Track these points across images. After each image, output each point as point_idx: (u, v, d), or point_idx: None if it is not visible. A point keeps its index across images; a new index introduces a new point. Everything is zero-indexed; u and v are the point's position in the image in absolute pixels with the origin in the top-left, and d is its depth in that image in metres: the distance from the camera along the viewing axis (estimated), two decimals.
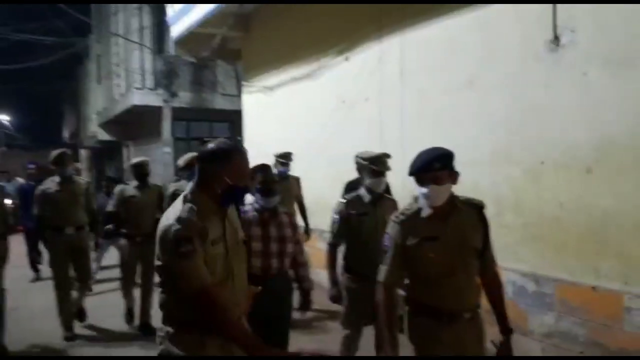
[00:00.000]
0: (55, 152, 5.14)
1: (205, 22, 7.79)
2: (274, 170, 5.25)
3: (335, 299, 3.60)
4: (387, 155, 3.58)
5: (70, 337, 4.97)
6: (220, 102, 13.73)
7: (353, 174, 4.19)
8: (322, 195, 5.93)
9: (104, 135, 18.70)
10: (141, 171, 5.25)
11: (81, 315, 5.34)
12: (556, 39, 3.73)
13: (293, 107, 7.23)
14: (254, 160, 2.52)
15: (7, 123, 28.88)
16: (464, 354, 2.30)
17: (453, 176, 2.26)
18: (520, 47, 4.01)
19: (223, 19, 7.70)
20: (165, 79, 12.74)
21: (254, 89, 8.18)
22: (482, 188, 3.99)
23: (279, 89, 7.55)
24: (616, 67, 3.41)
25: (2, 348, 4.63)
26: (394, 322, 2.38)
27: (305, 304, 3.49)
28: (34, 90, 20.75)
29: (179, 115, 13.88)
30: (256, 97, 8.20)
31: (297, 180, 5.90)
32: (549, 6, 3.75)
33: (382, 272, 2.39)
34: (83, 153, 27.59)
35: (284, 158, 5.75)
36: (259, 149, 7.93)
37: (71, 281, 5.19)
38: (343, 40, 6.08)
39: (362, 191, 3.56)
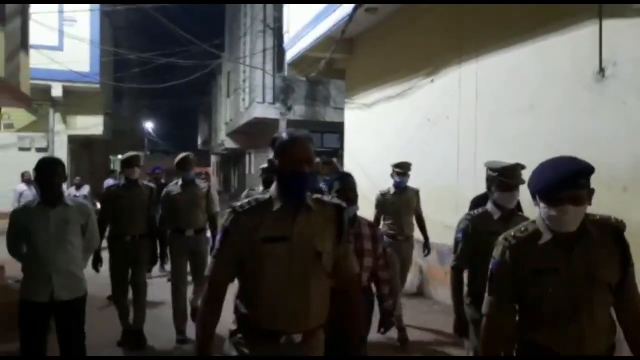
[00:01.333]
0: (179, 156, 5.25)
1: (314, 47, 8.91)
2: (392, 181, 5.43)
3: (459, 331, 3.20)
4: (521, 166, 3.10)
5: (182, 339, 4.97)
6: (331, 115, 14.92)
7: (437, 183, 4.80)
8: None
9: (230, 144, 20.93)
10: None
11: (194, 314, 5.17)
12: (601, 70, 4.17)
13: (386, 122, 8.03)
14: (352, 170, 3.06)
15: (151, 131, 32.96)
16: None
17: (590, 196, 1.84)
18: (572, 76, 4.47)
19: (330, 43, 8.73)
20: (283, 94, 14.21)
21: (354, 105, 9.12)
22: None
23: (375, 105, 8.40)
24: None
25: (143, 337, 4.90)
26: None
27: (385, 324, 3.19)
28: (174, 104, 23.58)
29: (295, 126, 15.29)
30: (356, 112, 9.14)
31: (416, 192, 5.59)
32: (597, 39, 4.20)
33: (487, 303, 2.02)
34: (213, 158, 30.61)
35: (401, 168, 5.45)
36: (357, 159, 8.90)
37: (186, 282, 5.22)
38: (429, 64, 6.77)
39: (490, 207, 3.15)
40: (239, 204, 1.98)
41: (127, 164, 5.04)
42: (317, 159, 4.93)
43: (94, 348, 3.77)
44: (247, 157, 20.60)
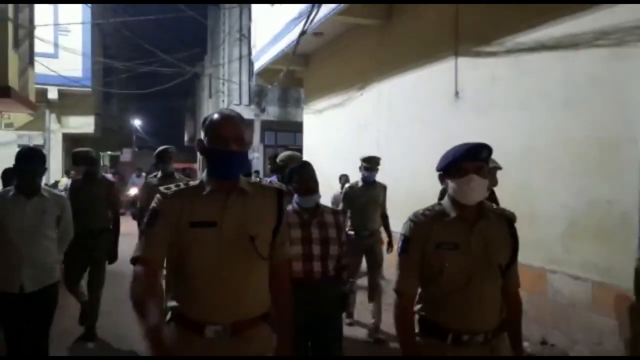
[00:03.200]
0: (159, 148, 5.39)
1: (275, 61, 10.54)
2: (360, 175, 5.30)
3: None
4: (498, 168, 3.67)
5: None
6: (302, 116, 16.55)
7: (356, 176, 5.72)
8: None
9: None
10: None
11: None
12: (457, 93, 5.85)
13: (332, 126, 9.70)
14: (314, 162, 3.03)
15: (139, 128, 34.35)
16: None
17: (491, 174, 2.12)
18: (442, 96, 6.16)
19: (287, 58, 10.36)
20: (257, 97, 15.82)
21: (310, 110, 10.79)
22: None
23: (325, 111, 10.06)
24: None
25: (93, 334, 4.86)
26: (412, 337, 2.10)
27: (346, 307, 3.28)
28: (161, 104, 24.99)
29: (269, 126, 16.94)
30: (311, 116, 10.81)
31: (383, 187, 5.41)
32: (454, 72, 5.87)
33: (399, 280, 2.11)
34: (199, 155, 32.05)
35: (368, 162, 5.29)
36: (312, 156, 10.58)
37: None
38: (360, 80, 8.42)
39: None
40: (167, 187, 1.91)
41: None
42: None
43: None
44: None
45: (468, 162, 1.98)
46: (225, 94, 17.73)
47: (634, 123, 3.80)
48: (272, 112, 16.29)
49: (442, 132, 6.06)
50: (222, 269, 1.83)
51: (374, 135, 7.93)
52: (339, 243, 3.04)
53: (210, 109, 22.36)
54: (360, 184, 5.34)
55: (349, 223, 5.10)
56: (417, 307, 2.13)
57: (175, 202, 1.85)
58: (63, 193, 4.96)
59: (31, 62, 9.17)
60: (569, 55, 4.41)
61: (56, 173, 15.18)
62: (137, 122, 33.92)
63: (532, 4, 4.75)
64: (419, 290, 2.13)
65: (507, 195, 4.03)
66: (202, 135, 1.93)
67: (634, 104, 3.79)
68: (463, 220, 2.04)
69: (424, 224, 2.07)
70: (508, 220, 2.13)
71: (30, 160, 3.38)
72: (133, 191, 14.02)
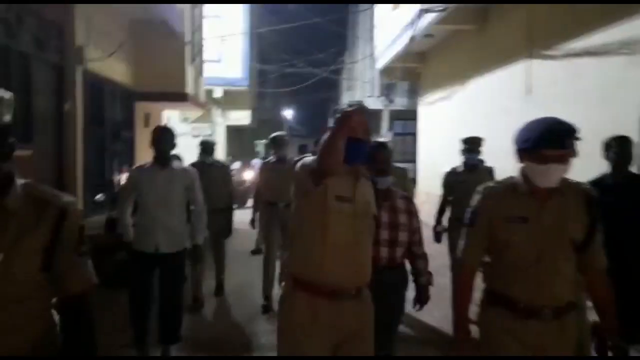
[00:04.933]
0: (273, 134, 5.64)
1: (395, 59, 11.97)
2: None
3: None
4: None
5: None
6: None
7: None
8: None
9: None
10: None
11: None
12: (528, 90, 6.81)
13: (443, 114, 10.88)
14: (427, 146, 4.82)
15: (290, 118, 37.87)
16: (542, 355, 1.99)
17: (572, 157, 1.94)
18: (515, 93, 7.13)
19: (408, 56, 11.71)
20: (386, 90, 17.27)
21: (423, 102, 12.04)
22: None
23: (437, 102, 11.25)
24: None
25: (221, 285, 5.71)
26: (466, 310, 2.13)
27: (421, 300, 3.08)
28: (309, 96, 27.69)
29: (397, 115, 18.33)
30: (425, 107, 12.05)
31: (489, 171, 4.90)
32: (525, 71, 6.84)
33: (462, 249, 2.17)
34: None
35: (469, 143, 4.86)
36: (427, 139, 11.85)
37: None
38: (463, 76, 9.52)
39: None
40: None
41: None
42: None
43: None
44: None
45: (550, 150, 1.91)
46: (359, 87, 19.47)
47: None
48: (400, 102, 17.60)
49: (517, 121, 7.04)
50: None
51: (470, 124, 9.03)
52: (409, 229, 2.94)
53: (347, 100, 24.37)
54: (461, 168, 4.93)
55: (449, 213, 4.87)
56: (486, 279, 2.15)
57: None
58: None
59: (201, 72, 11.85)
60: (602, 61, 5.28)
61: (220, 156, 18.34)
62: (287, 113, 37.43)
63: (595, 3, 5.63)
64: (486, 262, 2.15)
65: None
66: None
67: None
68: (535, 195, 2.01)
69: (494, 196, 2.09)
70: (586, 195, 2.05)
71: (160, 137, 3.87)
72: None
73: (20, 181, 1.54)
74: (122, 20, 8.41)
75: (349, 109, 2.04)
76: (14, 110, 3.26)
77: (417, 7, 9.22)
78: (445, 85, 10.51)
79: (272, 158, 5.68)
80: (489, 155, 5.11)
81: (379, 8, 13.77)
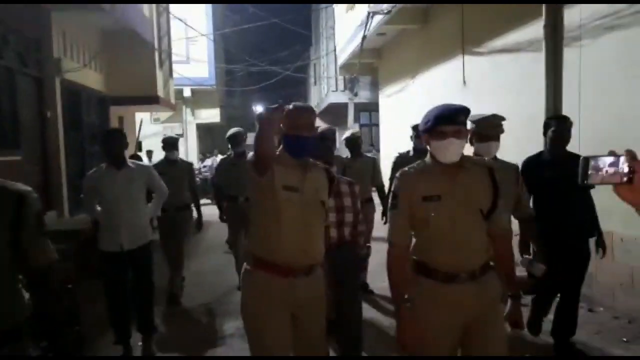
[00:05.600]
0: (229, 132, 5.74)
1: (353, 56, 12.81)
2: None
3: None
4: (499, 118, 3.30)
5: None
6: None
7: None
8: None
9: (320, 123, 25.38)
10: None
11: None
12: (464, 82, 7.73)
13: (400, 106, 11.78)
14: (388, 136, 5.24)
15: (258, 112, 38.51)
16: (463, 314, 2.22)
17: (466, 134, 2.24)
18: (453, 84, 8.05)
19: (364, 52, 12.56)
20: (350, 84, 18.13)
21: (383, 94, 12.93)
22: None
23: (395, 94, 12.15)
24: None
25: (174, 295, 5.49)
26: (405, 285, 2.30)
27: (359, 270, 3.46)
28: (276, 92, 28.56)
29: (363, 108, 19.23)
30: (385, 99, 12.95)
31: None
32: (462, 66, 7.75)
33: (390, 232, 2.35)
34: None
35: (417, 130, 4.97)
36: (388, 130, 12.74)
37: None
38: (412, 70, 10.42)
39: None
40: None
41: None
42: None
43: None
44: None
45: (447, 126, 2.16)
46: (325, 81, 20.31)
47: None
48: (365, 95, 18.49)
49: None
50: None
51: (421, 114, 9.93)
52: (353, 211, 3.23)
53: (315, 95, 25.17)
54: (411, 153, 5.31)
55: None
56: (411, 252, 2.33)
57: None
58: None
59: (171, 74, 12.50)
60: (516, 57, 6.21)
61: (192, 154, 18.94)
62: (257, 109, 37.98)
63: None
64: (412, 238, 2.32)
65: None
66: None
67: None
68: (445, 174, 2.24)
69: (409, 179, 2.30)
70: (489, 169, 2.31)
71: (112, 139, 4.01)
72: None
73: None
74: (94, 31, 9.03)
75: (273, 107, 2.28)
76: None
77: (367, 8, 10.09)
78: (399, 79, 11.41)
79: (230, 154, 5.98)
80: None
81: (337, 8, 14.60)
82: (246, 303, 2.53)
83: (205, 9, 18.33)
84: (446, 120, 2.17)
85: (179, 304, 5.49)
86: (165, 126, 19.44)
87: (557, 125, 3.66)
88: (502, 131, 3.25)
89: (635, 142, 1.90)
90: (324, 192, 2.56)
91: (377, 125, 17.60)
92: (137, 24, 9.18)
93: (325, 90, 20.47)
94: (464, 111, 2.22)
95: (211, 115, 20.27)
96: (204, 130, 21.79)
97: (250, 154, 2.42)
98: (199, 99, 19.17)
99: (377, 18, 9.54)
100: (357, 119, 18.80)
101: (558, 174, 3.46)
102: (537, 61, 5.64)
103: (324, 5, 18.31)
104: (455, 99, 8.02)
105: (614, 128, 4.59)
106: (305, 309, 2.50)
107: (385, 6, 9.04)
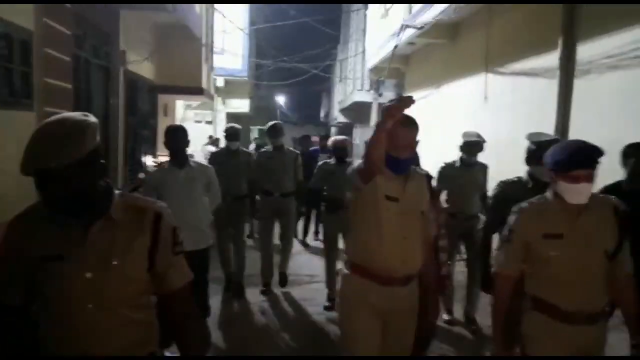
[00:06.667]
0: (269, 124, 5.73)
1: (383, 60, 13.61)
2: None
3: (485, 285, 3.52)
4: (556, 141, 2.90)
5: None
6: None
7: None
8: None
9: (342, 118, 26.24)
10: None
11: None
12: (486, 97, 8.52)
13: (424, 112, 12.54)
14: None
15: (282, 104, 39.36)
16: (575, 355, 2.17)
17: (596, 174, 2.17)
18: (475, 99, 8.84)
19: (394, 58, 13.34)
20: (376, 84, 18.92)
21: None
22: None
23: (418, 100, 12.90)
24: None
25: (241, 286, 5.63)
26: (509, 319, 2.29)
27: (441, 290, 3.26)
28: (301, 85, 29.39)
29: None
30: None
31: (484, 168, 5.39)
32: (484, 82, 8.54)
33: (500, 262, 2.34)
34: (332, 129, 36.28)
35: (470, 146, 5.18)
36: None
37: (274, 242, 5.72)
38: (437, 81, 11.20)
39: (525, 176, 3.32)
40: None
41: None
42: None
43: None
44: (354, 129, 25.73)
45: (582, 170, 2.10)
46: (351, 80, 21.11)
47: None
48: (388, 96, 19.26)
49: (477, 121, 8.77)
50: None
51: (442, 122, 10.75)
52: (435, 224, 3.11)
53: (340, 92, 25.98)
54: (457, 164, 5.28)
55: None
56: (527, 286, 2.30)
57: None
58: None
59: (212, 68, 13.44)
60: (533, 80, 7.00)
61: (221, 142, 19.88)
62: (281, 100, 38.87)
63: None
64: (527, 271, 2.29)
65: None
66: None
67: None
68: (568, 211, 2.18)
69: (529, 216, 2.26)
70: (614, 207, 2.24)
71: (175, 137, 3.87)
72: None
73: (116, 192, 1.68)
74: (152, 26, 9.95)
75: (391, 103, 2.30)
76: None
77: (401, 18, 10.86)
78: (424, 86, 12.18)
79: (269, 147, 5.92)
80: (454, 150, 5.78)
81: (370, 12, 15.39)
82: (342, 306, 2.61)
83: (243, 5, 19.20)
84: (581, 164, 2.13)
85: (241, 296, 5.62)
86: (197, 112, 20.39)
87: (637, 153, 3.39)
88: None
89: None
90: (424, 202, 2.59)
91: None
92: (189, 20, 10.08)
93: (351, 88, 21.26)
94: (599, 153, 2.17)
95: (241, 105, 21.25)
96: (232, 119, 22.73)
97: (357, 163, 2.47)
98: (231, 89, 20.09)
99: (410, 30, 10.32)
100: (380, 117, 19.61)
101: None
102: (550, 87, 6.43)
103: (355, 7, 19.07)
104: (477, 112, 8.87)
105: (607, 154, 5.38)
106: (398, 318, 2.52)
107: (419, 21, 9.81)
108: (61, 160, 1.43)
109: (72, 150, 1.45)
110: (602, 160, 2.34)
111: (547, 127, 6.30)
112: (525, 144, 3.41)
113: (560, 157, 2.18)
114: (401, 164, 2.49)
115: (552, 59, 6.48)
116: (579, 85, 6.01)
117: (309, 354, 4.49)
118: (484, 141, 5.23)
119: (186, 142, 4.01)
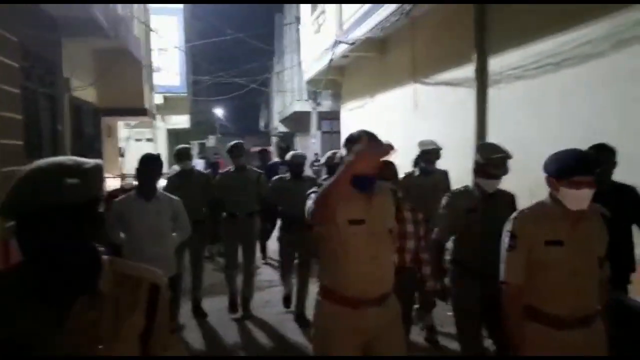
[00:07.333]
0: (229, 144, 5.54)
1: (319, 73, 14.32)
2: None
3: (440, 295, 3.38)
4: (507, 157, 3.18)
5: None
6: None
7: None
8: None
9: (282, 128, 26.80)
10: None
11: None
12: (416, 105, 9.36)
13: (360, 120, 13.34)
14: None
15: (221, 117, 39.46)
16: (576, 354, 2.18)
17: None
18: (406, 106, 9.68)
19: (329, 70, 14.08)
20: (313, 94, 19.64)
21: (345, 108, 14.51)
22: None
23: (355, 109, 13.71)
24: None
25: (199, 307, 5.56)
26: (520, 326, 2.28)
27: (427, 305, 3.34)
28: (240, 97, 29.79)
29: (324, 116, 20.77)
30: (346, 112, 14.52)
31: (444, 174, 5.43)
32: (413, 92, 9.38)
33: (506, 272, 2.31)
34: (273, 139, 36.76)
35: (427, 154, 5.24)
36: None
37: (238, 263, 5.52)
38: (370, 90, 12.00)
39: (472, 186, 3.31)
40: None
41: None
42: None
43: None
44: (295, 138, 26.38)
45: (584, 177, 2.12)
46: (289, 90, 21.73)
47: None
48: (326, 104, 20.04)
49: (409, 129, 9.60)
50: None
51: (377, 130, 11.52)
52: (415, 237, 3.21)
53: (278, 102, 26.57)
54: (416, 173, 5.29)
55: None
56: (523, 295, 2.28)
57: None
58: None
59: (152, 88, 13.69)
60: (455, 89, 7.87)
61: (163, 160, 19.93)
62: (219, 112, 38.95)
63: None
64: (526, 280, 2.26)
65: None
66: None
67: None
68: (566, 218, 2.21)
69: (531, 222, 2.27)
70: (602, 214, 2.31)
71: (149, 166, 3.73)
72: None
73: (104, 258, 1.37)
74: (93, 51, 10.14)
75: (361, 141, 2.25)
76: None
77: (334, 34, 11.60)
78: (360, 96, 12.99)
79: (230, 167, 5.72)
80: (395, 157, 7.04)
81: (303, 28, 16.10)
82: (317, 332, 2.54)
83: (177, 21, 19.41)
84: (583, 171, 2.16)
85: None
86: (137, 131, 20.31)
87: (597, 155, 3.33)
88: (506, 172, 3.15)
89: (534, 165, 2.58)
90: (390, 220, 2.53)
91: (337, 132, 19.16)
92: (130, 44, 10.34)
93: (290, 99, 21.90)
94: (596, 162, 2.29)
95: (180, 121, 21.36)
96: (173, 135, 22.80)
97: (309, 205, 2.27)
98: (170, 105, 20.18)
99: (342, 46, 11.06)
100: (319, 126, 20.31)
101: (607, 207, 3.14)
102: (469, 95, 7.30)
103: (288, 21, 19.75)
104: (409, 119, 9.70)
105: (517, 153, 6.26)
106: (382, 335, 2.45)
107: (350, 37, 10.57)
108: (52, 201, 1.20)
109: (68, 191, 1.22)
110: (515, 156, 2.87)
111: (469, 130, 7.17)
112: (453, 146, 3.89)
113: (564, 163, 2.21)
114: (368, 182, 2.40)
115: (469, 70, 7.35)
116: (492, 93, 6.90)
117: (280, 352, 4.82)
118: (440, 148, 5.33)
119: (160, 174, 3.93)
